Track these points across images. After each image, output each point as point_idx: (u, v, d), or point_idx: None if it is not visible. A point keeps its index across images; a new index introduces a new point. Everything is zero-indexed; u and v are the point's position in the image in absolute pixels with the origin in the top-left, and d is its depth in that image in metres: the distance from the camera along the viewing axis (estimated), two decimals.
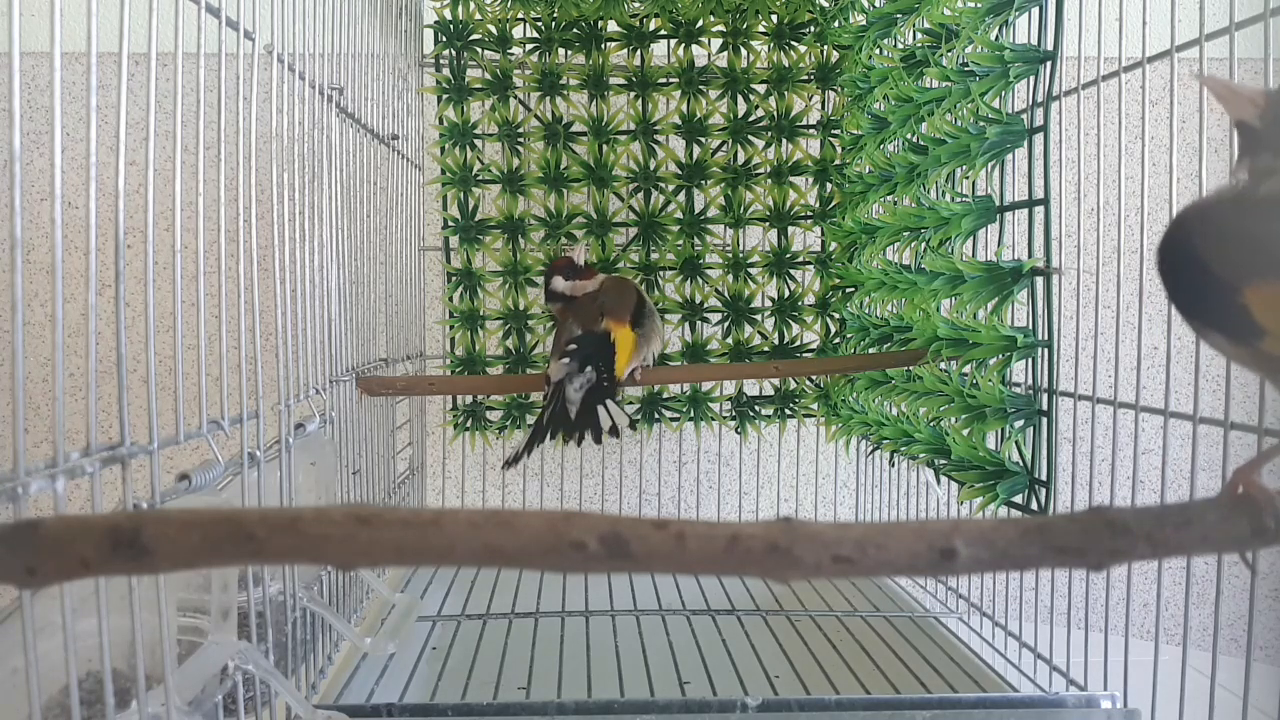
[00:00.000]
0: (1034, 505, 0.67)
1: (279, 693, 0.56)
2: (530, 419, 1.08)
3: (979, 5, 0.71)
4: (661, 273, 1.07)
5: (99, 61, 0.40)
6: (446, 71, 1.04)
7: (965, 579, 0.92)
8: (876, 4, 0.93)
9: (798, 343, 1.08)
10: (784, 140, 1.05)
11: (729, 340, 1.08)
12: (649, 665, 0.75)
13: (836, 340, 1.07)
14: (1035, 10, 0.67)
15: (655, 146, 1.05)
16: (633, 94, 1.05)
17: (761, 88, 1.05)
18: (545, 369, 0.88)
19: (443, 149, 1.04)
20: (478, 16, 1.03)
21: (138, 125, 0.44)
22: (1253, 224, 0.28)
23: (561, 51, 1.04)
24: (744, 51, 1.05)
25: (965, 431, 0.73)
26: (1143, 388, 0.63)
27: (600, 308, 0.86)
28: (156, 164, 0.45)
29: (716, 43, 1.05)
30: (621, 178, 1.05)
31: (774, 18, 1.04)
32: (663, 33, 1.04)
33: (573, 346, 0.83)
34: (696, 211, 1.06)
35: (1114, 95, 0.65)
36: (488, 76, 1.04)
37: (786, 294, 1.07)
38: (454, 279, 1.06)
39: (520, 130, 1.04)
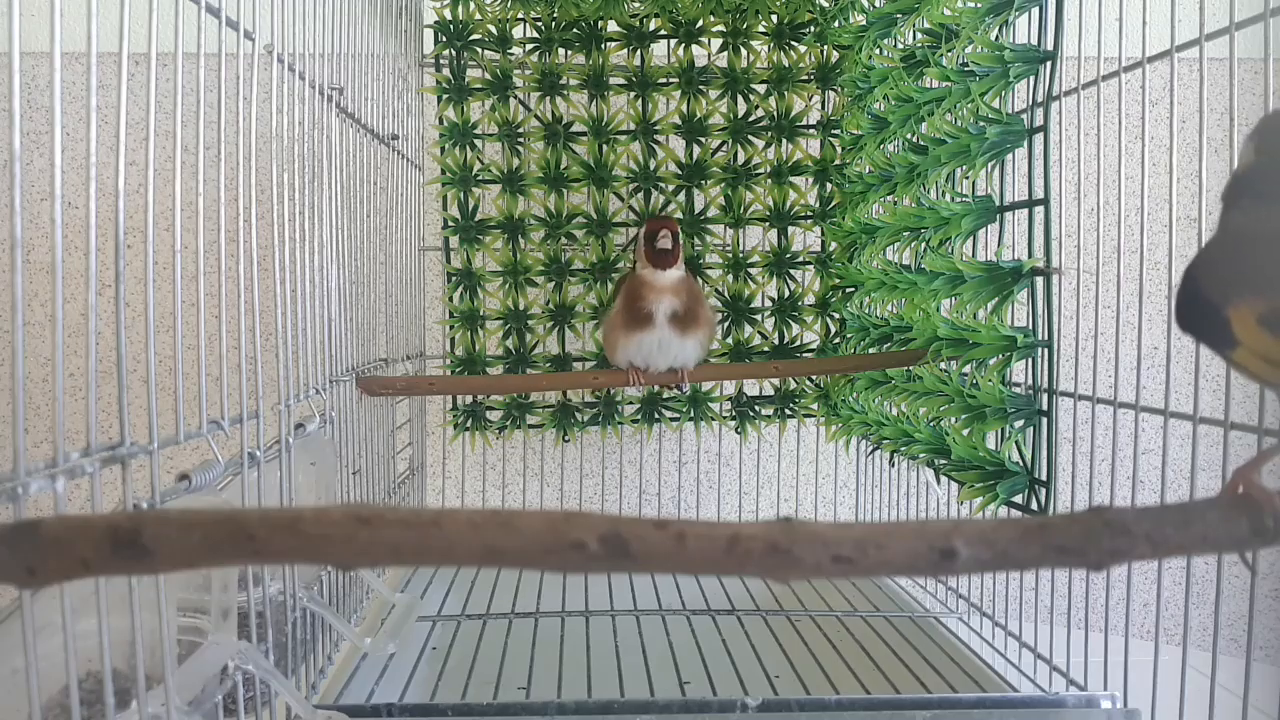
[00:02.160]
0: (1034, 505, 0.67)
1: (279, 693, 0.56)
2: (531, 419, 1.08)
3: (979, 5, 0.71)
4: None
5: (99, 61, 0.40)
6: (446, 71, 1.04)
7: (965, 579, 0.92)
8: (876, 4, 0.93)
9: (798, 343, 1.08)
10: (784, 140, 1.05)
11: (729, 340, 1.08)
12: (649, 665, 0.75)
13: (836, 340, 1.07)
14: (1035, 10, 0.67)
15: (655, 146, 1.05)
16: (633, 94, 1.05)
17: (761, 88, 1.05)
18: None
19: (443, 149, 1.04)
20: (478, 16, 1.03)
21: (138, 125, 0.44)
22: (1235, 253, 0.33)
23: (561, 51, 1.04)
24: (744, 51, 1.05)
25: (965, 431, 0.73)
26: (1143, 388, 0.63)
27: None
28: (156, 164, 0.45)
29: (716, 43, 1.05)
30: (621, 178, 1.05)
31: (774, 18, 1.04)
32: (663, 33, 1.04)
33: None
34: (696, 211, 1.06)
35: (1114, 95, 0.65)
36: (488, 76, 1.04)
37: (786, 294, 1.07)
38: (454, 279, 1.06)
39: (520, 130, 1.04)
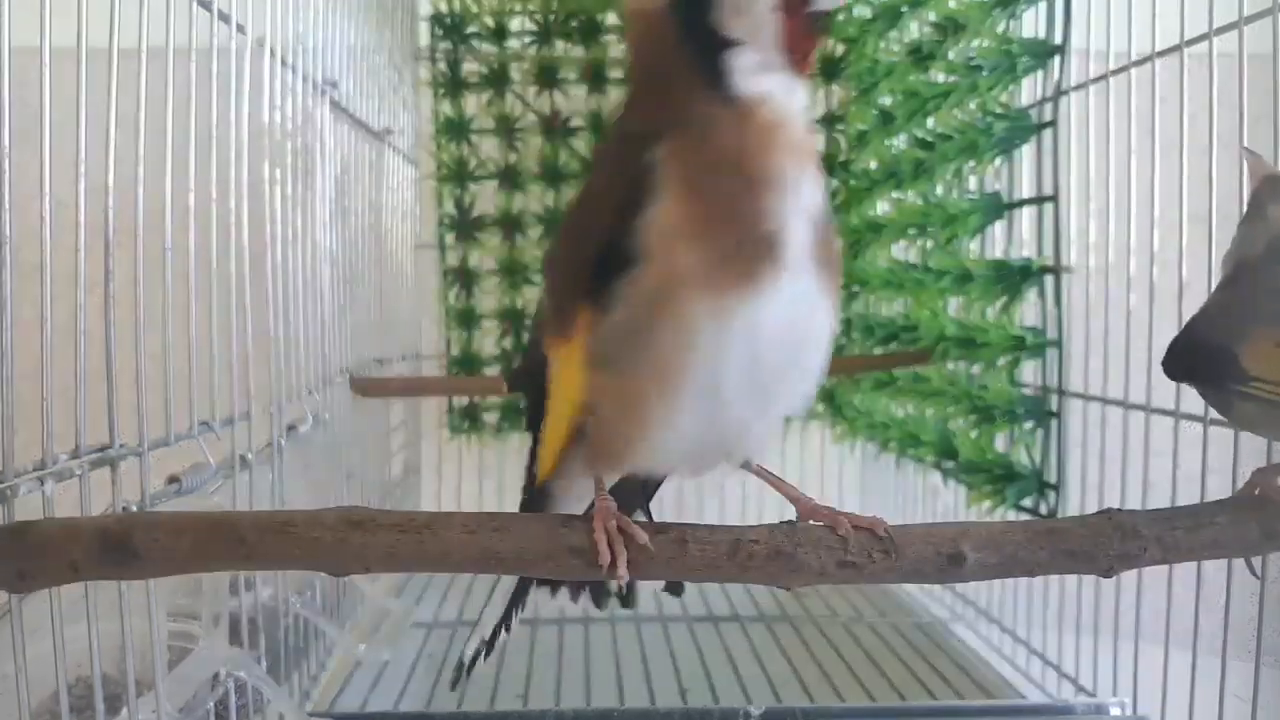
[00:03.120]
0: (1043, 509, 0.66)
1: (271, 700, 0.56)
2: None
3: None
4: None
5: (89, 57, 0.39)
6: (442, 65, 1.03)
7: (973, 584, 0.91)
8: None
9: None
10: None
11: None
12: (649, 673, 0.74)
13: (841, 340, 1.06)
14: (1043, 3, 0.66)
15: None
16: None
17: None
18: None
19: (438, 144, 1.03)
20: (474, 9, 1.02)
21: (127, 121, 0.44)
22: (1240, 299, 0.35)
23: (559, 45, 1.03)
24: None
25: (973, 433, 0.72)
26: (1153, 389, 0.62)
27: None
28: (147, 161, 0.45)
29: None
30: None
31: None
32: None
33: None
34: None
35: (1124, 90, 0.64)
36: (484, 70, 1.03)
37: None
38: (450, 277, 1.05)
39: (517, 125, 1.03)
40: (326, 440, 0.71)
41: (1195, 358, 0.35)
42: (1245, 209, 0.37)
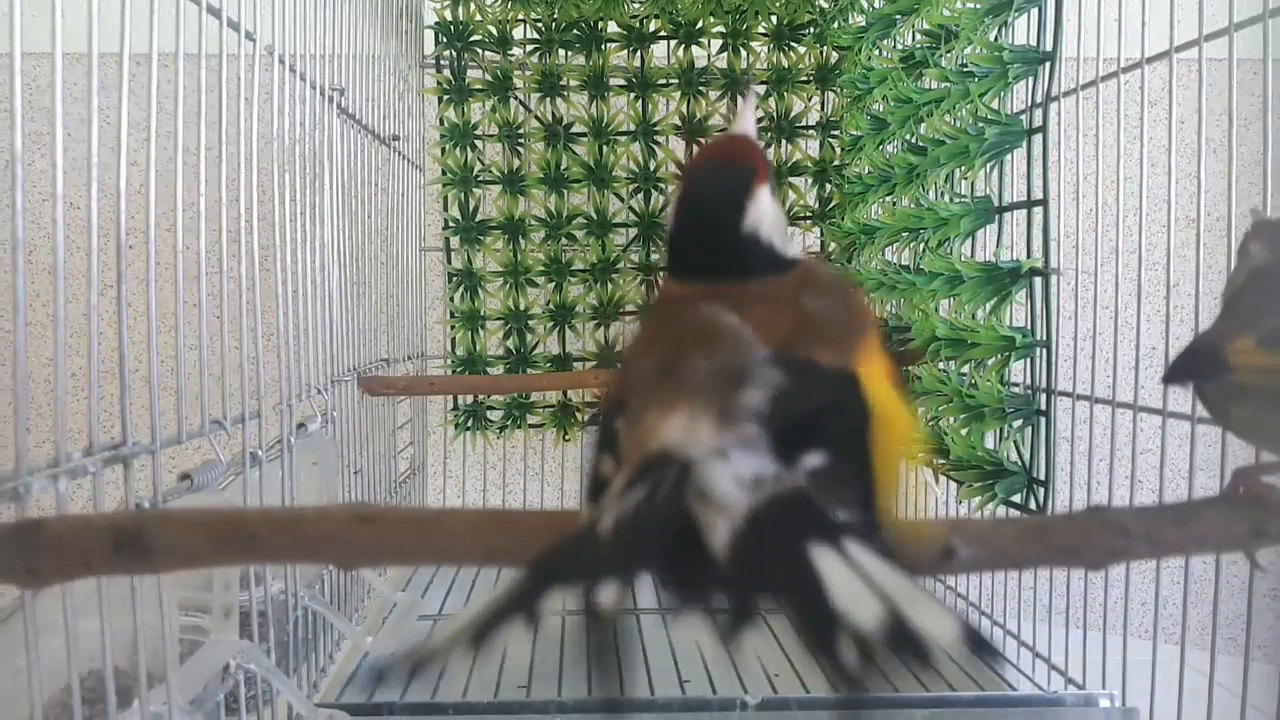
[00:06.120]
0: (1032, 505, 0.67)
1: (280, 691, 0.56)
2: (531, 418, 1.08)
3: (978, 6, 0.71)
4: (661, 274, 1.07)
5: (100, 62, 0.40)
6: (447, 72, 1.04)
7: (964, 578, 0.92)
8: (876, 5, 0.93)
9: None
10: (783, 141, 1.05)
11: None
12: (649, 664, 0.75)
13: None
14: (1034, 11, 0.67)
15: (655, 147, 1.05)
16: (633, 95, 1.05)
17: (761, 89, 1.05)
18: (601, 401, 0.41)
19: (443, 150, 1.04)
20: (478, 18, 1.03)
21: (139, 126, 0.45)
22: (1227, 319, 0.38)
23: (562, 52, 1.04)
24: (744, 52, 1.05)
25: (964, 431, 0.73)
26: (1141, 388, 0.63)
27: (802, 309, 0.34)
28: (158, 165, 0.45)
29: (716, 44, 1.05)
30: (621, 178, 1.05)
31: (774, 19, 1.04)
32: (663, 34, 1.05)
33: (758, 387, 0.30)
34: None
35: (1113, 96, 0.65)
36: (488, 77, 1.04)
37: None
38: (455, 279, 1.06)
39: (520, 131, 1.05)
40: (335, 438, 0.72)
41: (1190, 359, 0.37)
42: (1236, 254, 0.41)
